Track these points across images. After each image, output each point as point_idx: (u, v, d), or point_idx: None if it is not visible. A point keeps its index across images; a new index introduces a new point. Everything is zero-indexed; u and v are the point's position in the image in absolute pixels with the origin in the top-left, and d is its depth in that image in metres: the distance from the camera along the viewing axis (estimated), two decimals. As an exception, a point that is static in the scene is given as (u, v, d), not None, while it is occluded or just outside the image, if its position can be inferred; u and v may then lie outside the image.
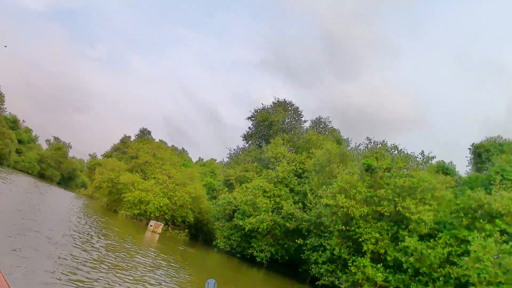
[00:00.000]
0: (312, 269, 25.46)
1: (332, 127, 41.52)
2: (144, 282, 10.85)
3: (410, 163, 28.19)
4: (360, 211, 22.25)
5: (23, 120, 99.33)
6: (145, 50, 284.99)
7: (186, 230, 39.13)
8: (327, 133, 40.63)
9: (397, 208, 21.60)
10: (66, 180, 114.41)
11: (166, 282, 11.97)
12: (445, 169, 35.79)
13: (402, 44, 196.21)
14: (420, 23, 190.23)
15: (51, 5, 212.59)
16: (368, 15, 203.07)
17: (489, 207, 20.96)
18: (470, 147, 36.46)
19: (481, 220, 20.69)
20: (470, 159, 36.44)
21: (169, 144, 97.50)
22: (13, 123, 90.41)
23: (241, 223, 30.52)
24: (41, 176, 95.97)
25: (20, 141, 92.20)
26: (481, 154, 34.49)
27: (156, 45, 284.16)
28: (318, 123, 41.13)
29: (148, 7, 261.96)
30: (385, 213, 22.10)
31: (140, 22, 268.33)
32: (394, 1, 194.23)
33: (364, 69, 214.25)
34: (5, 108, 76.11)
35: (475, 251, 17.26)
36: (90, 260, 11.21)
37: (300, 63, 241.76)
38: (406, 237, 21.19)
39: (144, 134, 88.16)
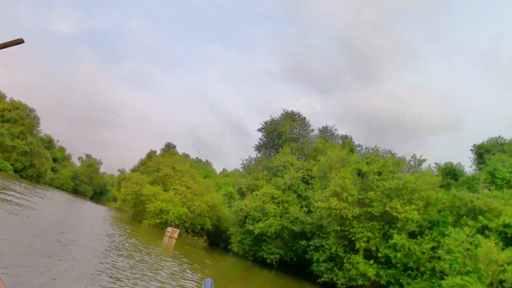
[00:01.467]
0: (314, 268, 27.60)
1: (338, 134, 43.53)
2: (156, 277, 13.51)
3: (404, 167, 29.90)
4: (353, 212, 24.32)
5: (57, 139, 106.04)
6: (171, 67, 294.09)
7: (205, 237, 41.94)
8: (334, 140, 42.64)
9: (386, 208, 23.52)
10: (98, 195, 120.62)
11: (176, 279, 14.59)
12: (452, 170, 37.06)
13: (425, 48, 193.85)
14: (442, 26, 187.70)
15: (79, 27, 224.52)
16: (389, 22, 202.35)
17: (472, 205, 22.60)
18: (472, 148, 37.53)
19: (465, 217, 22.36)
20: (473, 159, 37.47)
21: (193, 157, 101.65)
22: (48, 143, 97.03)
23: (251, 227, 33.01)
24: (75, 191, 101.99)
25: (55, 160, 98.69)
26: (482, 154, 35.52)
27: (182, 62, 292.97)
28: (324, 131, 43.26)
29: (173, 25, 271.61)
30: (376, 213, 24.05)
31: (166, 40, 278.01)
32: (414, 6, 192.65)
33: (387, 75, 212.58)
34: (41, 130, 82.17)
35: (448, 244, 19.04)
36: (114, 258, 14.01)
37: (321, 71, 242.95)
38: (395, 234, 23.10)
39: (169, 148, 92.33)
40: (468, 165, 37.94)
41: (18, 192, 29.52)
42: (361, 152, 41.69)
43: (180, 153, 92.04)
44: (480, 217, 21.86)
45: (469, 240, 18.74)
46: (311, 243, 29.38)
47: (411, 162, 30.92)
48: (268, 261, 33.17)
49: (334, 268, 25.64)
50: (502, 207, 21.74)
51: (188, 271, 17.18)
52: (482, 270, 17.07)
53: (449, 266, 18.45)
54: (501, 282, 17.18)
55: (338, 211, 24.25)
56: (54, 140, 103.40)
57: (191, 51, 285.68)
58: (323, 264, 26.72)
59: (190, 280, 14.37)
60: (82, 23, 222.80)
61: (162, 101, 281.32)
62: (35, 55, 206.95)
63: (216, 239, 46.03)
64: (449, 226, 22.74)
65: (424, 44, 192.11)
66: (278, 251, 33.23)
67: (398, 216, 22.92)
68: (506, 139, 35.87)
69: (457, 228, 20.01)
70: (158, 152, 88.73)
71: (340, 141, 46.18)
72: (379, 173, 25.70)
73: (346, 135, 47.62)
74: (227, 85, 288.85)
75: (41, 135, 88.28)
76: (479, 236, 18.47)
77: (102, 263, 11.70)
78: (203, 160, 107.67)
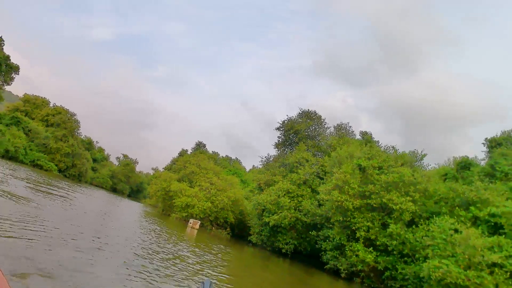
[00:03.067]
0: (322, 256, 29.92)
1: (353, 131, 45.28)
2: (180, 258, 16.53)
3: (408, 161, 31.42)
4: (353, 203, 26.43)
5: (97, 141, 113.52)
6: (205, 68, 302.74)
7: (228, 229, 45.09)
8: (350, 136, 44.46)
9: (384, 200, 25.46)
10: (135, 193, 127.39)
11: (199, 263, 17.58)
12: (467, 164, 38.02)
13: (467, 33, 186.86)
14: (484, 9, 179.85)
15: (117, 34, 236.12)
16: (423, 10, 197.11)
17: (465, 196, 24.15)
18: (484, 141, 38.14)
19: (458, 208, 23.96)
20: (486, 153, 38.06)
21: (223, 155, 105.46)
22: (89, 144, 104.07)
23: (267, 220, 35.71)
24: (114, 189, 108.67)
25: (94, 160, 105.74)
26: (493, 148, 36.14)
27: (216, 62, 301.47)
28: (339, 128, 45.14)
29: (207, 27, 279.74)
30: (375, 205, 26.04)
31: (200, 41, 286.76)
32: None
33: (426, 64, 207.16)
34: (81, 132, 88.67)
35: (432, 232, 20.89)
36: (147, 247, 17.19)
37: (355, 64, 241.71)
38: (392, 224, 25.03)
39: (199, 147, 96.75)
40: (481, 158, 38.61)
41: (63, 189, 33.75)
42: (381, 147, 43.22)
43: (210, 151, 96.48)
44: (472, 208, 23.44)
45: (452, 227, 20.49)
46: (320, 233, 31.67)
47: (416, 157, 32.37)
48: (283, 251, 35.76)
49: (339, 256, 27.88)
50: (493, 198, 23.15)
51: (198, 251, 20.17)
52: (459, 254, 18.92)
53: (431, 251, 20.33)
54: (479, 264, 18.93)
55: (339, 203, 26.47)
56: (94, 141, 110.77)
57: (224, 51, 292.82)
58: (330, 252, 29.03)
59: (197, 257, 17.30)
60: (119, 30, 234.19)
61: (197, 102, 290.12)
62: (77, 62, 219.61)
63: (241, 232, 49.01)
64: (435, 216, 24.27)
65: (465, 29, 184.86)
66: (293, 242, 35.71)
67: (394, 207, 24.83)
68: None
69: (441, 217, 21.73)
70: (190, 151, 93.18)
71: (360, 137, 47.97)
72: (380, 168, 27.60)
73: (365, 131, 49.22)
74: (260, 82, 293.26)
75: (82, 137, 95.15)
76: (456, 224, 20.20)
77: (133, 242, 14.89)
78: (233, 157, 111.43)
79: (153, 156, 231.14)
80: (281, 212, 35.33)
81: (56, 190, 30.06)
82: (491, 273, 18.47)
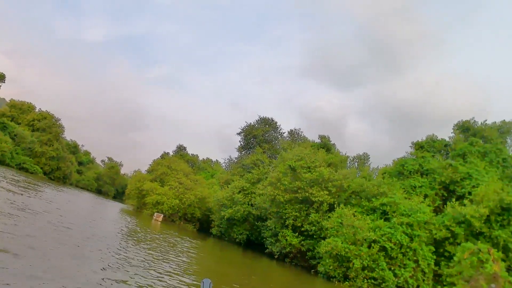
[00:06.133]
0: (264, 242, 35.59)
1: (304, 136, 51.14)
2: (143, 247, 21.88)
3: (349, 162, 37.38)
4: (284, 197, 32.13)
5: (82, 144, 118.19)
6: (199, 69, 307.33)
7: (196, 223, 50.55)
8: (300, 140, 50.28)
9: (307, 194, 31.20)
10: (120, 194, 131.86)
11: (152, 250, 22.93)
12: (403, 164, 43.94)
13: (450, 35, 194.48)
14: (466, 10, 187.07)
15: (112, 35, 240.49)
16: (409, 10, 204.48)
17: (369, 190, 30.01)
18: (411, 145, 44.13)
19: (363, 199, 29.79)
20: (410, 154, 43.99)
21: (203, 157, 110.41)
22: (74, 148, 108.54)
23: (223, 213, 41.28)
24: (99, 191, 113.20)
25: (80, 163, 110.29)
26: (417, 150, 42.09)
27: (209, 63, 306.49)
28: (292, 133, 50.97)
29: (201, 28, 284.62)
30: (301, 198, 31.76)
31: (194, 42, 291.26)
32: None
33: (413, 65, 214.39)
34: (65, 137, 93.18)
35: (331, 217, 26.71)
36: (120, 232, 22.54)
37: (343, 65, 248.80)
38: (313, 213, 30.79)
39: (180, 150, 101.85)
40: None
41: (48, 191, 38.82)
42: (337, 149, 49.02)
43: (190, 154, 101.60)
44: (373, 199, 29.29)
45: (346, 213, 26.33)
46: (264, 224, 37.31)
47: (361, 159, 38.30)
48: (237, 240, 41.35)
49: (274, 242, 33.54)
50: (388, 191, 29.00)
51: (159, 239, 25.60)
52: (346, 233, 24.74)
53: (329, 232, 26.14)
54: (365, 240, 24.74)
55: (272, 197, 32.15)
56: (79, 145, 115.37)
57: (217, 52, 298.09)
58: (269, 239, 34.69)
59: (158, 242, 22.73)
60: (114, 31, 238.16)
61: (190, 103, 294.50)
62: (69, 64, 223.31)
63: (208, 226, 54.38)
64: (356, 207, 30.09)
65: (451, 30, 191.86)
66: (245, 232, 41.32)
67: (314, 199, 30.59)
68: (438, 137, 42.53)
69: (341, 206, 27.57)
70: (171, 154, 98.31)
71: (318, 140, 53.81)
72: (309, 167, 33.33)
73: (324, 135, 55.04)
74: (252, 83, 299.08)
75: (68, 141, 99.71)
76: (346, 211, 26.06)
77: (105, 229, 20.29)
78: (214, 160, 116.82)
79: (143, 158, 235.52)
80: (235, 207, 40.91)
81: (44, 192, 35.16)
82: (369, 247, 24.35)
